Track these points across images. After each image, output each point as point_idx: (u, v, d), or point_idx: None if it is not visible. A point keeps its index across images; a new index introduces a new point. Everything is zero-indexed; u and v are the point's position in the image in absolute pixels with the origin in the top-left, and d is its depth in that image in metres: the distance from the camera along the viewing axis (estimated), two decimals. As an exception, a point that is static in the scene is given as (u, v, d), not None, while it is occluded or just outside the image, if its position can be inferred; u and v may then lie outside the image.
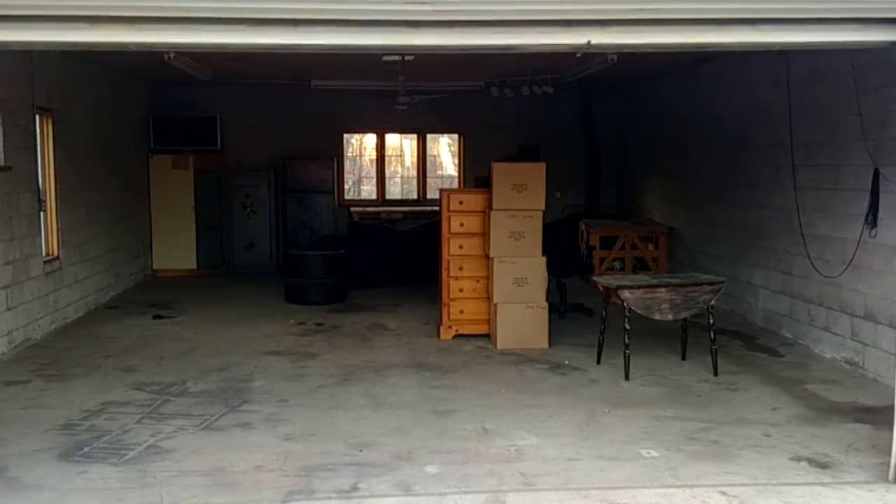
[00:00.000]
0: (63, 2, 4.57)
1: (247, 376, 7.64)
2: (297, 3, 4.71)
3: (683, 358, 8.16)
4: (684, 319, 7.93)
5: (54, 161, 9.73)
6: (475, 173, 13.24)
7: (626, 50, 5.40)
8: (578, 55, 5.36)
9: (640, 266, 12.84)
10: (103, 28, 4.65)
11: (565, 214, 13.92)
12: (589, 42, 4.87)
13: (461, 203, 9.13)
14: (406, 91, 13.01)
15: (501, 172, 8.78)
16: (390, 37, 4.83)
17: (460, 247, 9.09)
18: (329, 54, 6.78)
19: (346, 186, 15.88)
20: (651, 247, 13.05)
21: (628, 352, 7.52)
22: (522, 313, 8.71)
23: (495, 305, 8.79)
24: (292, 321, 10.13)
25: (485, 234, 8.95)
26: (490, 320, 9.00)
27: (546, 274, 8.86)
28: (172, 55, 7.01)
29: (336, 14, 4.74)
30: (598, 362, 8.01)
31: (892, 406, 5.30)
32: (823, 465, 5.47)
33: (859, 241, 7.61)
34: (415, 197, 15.84)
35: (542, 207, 8.77)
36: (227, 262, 14.35)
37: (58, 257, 9.77)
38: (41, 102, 9.29)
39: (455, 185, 15.54)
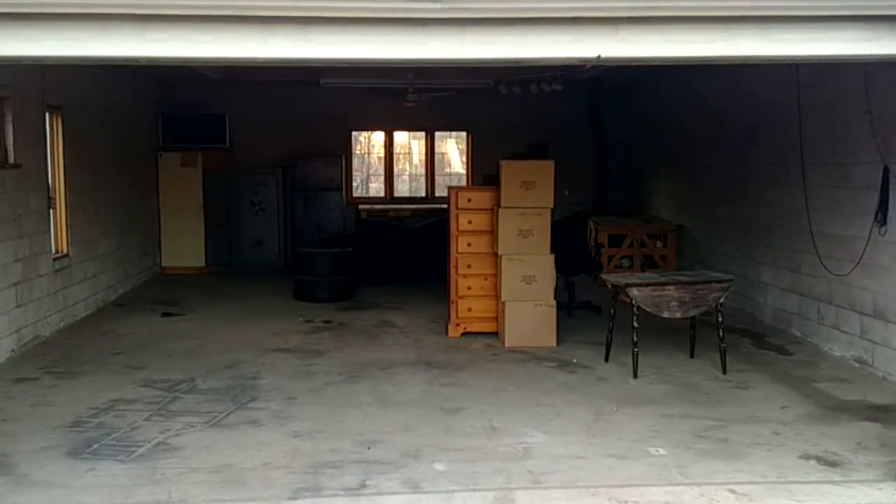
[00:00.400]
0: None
1: (255, 374, 7.65)
2: (306, 2, 4.70)
3: (692, 356, 8.14)
4: (693, 317, 7.91)
5: (64, 159, 9.76)
6: (483, 171, 13.23)
7: (634, 63, 5.35)
8: (587, 67, 5.35)
9: (649, 264, 12.82)
10: (113, 41, 4.62)
11: (573, 212, 13.90)
12: (599, 56, 4.86)
13: (469, 200, 9.12)
14: (414, 89, 13.00)
15: (510, 170, 8.78)
16: (398, 44, 4.75)
17: (468, 244, 9.09)
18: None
19: (355, 184, 15.88)
20: (659, 244, 13.03)
21: (637, 350, 7.50)
22: (531, 311, 8.70)
23: (503, 303, 8.78)
24: (300, 319, 10.14)
25: (493, 232, 8.94)
26: (498, 318, 8.99)
27: (554, 272, 8.85)
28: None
29: (344, 11, 4.73)
30: (607, 360, 8.00)
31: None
32: (833, 464, 5.45)
33: (869, 239, 7.58)
34: (423, 195, 15.83)
35: (551, 205, 8.76)
36: (236, 260, 14.36)
37: (67, 255, 9.80)
38: (51, 100, 9.31)
39: (463, 182, 15.54)
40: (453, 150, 16.80)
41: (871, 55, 4.93)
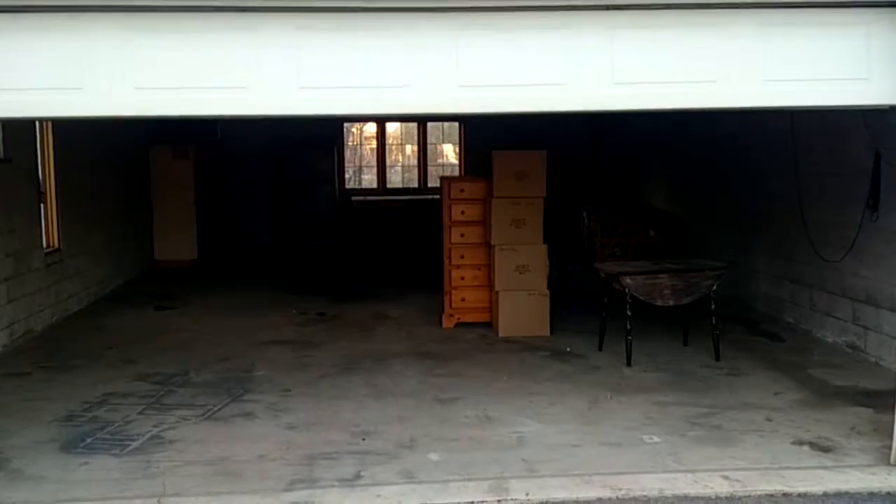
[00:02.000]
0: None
1: (249, 366, 7.64)
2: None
3: (685, 344, 8.16)
4: (686, 305, 7.92)
5: (54, 153, 9.70)
6: (476, 161, 13.21)
7: (630, 112, 5.31)
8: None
9: (642, 252, 12.81)
10: (99, 101, 4.64)
11: (566, 201, 13.88)
12: (587, 109, 4.95)
13: (462, 191, 9.12)
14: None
15: (502, 160, 8.77)
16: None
17: (461, 235, 9.09)
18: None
19: (347, 176, 15.86)
20: (652, 233, 13.02)
21: (630, 338, 7.52)
22: (524, 301, 8.71)
23: (497, 293, 8.79)
24: (294, 311, 10.12)
25: (486, 222, 8.94)
26: (492, 308, 8.99)
27: (547, 261, 8.85)
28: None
29: (332, 0, 4.71)
30: (600, 349, 8.01)
31: (894, 389, 5.31)
32: (825, 449, 5.48)
33: (860, 226, 7.59)
34: (415, 185, 15.81)
35: (543, 195, 8.76)
36: (228, 253, 14.34)
37: (59, 249, 9.76)
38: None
39: (456, 173, 15.51)
40: (446, 142, 16.77)
41: (864, 104, 5.00)
